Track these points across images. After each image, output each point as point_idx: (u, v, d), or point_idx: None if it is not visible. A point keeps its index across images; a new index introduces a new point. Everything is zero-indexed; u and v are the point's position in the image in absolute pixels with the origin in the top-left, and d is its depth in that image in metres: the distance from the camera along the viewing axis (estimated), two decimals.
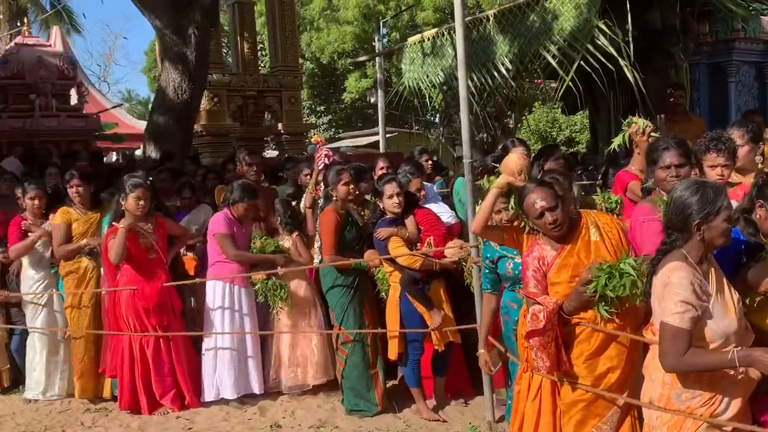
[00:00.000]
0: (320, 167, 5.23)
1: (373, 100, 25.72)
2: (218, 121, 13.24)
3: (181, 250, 5.59)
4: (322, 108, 32.58)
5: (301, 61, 20.49)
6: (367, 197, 5.24)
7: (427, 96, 8.29)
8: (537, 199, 3.09)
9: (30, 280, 5.50)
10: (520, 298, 3.68)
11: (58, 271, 5.48)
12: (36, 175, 6.85)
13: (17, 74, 13.06)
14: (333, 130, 32.42)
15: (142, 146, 19.53)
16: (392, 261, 4.65)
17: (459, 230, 5.09)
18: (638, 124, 4.08)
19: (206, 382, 5.13)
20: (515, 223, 3.53)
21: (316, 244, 4.98)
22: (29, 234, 5.43)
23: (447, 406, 4.93)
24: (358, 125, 31.93)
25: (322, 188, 5.06)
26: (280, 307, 5.10)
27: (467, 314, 4.68)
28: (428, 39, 8.20)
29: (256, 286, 5.08)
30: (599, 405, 3.08)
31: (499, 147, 5.60)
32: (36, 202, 5.51)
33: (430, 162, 6.46)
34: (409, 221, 4.72)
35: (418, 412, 4.80)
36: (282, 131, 14.46)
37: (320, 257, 4.89)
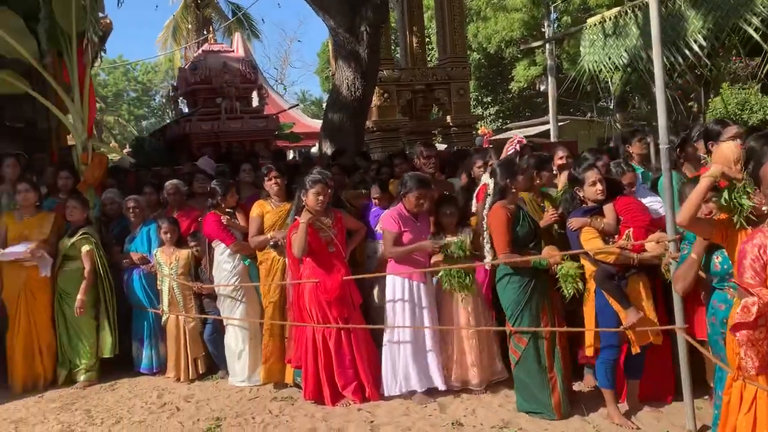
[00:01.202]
0: (510, 152, 5.05)
1: (542, 88, 24.97)
2: (388, 117, 13.41)
3: None
4: (489, 99, 32.16)
5: (467, 52, 20.24)
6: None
7: (609, 79, 7.81)
8: None
9: (224, 271, 5.81)
10: (729, 298, 3.31)
11: (251, 262, 5.79)
12: (228, 174, 7.28)
13: (205, 79, 13.96)
14: (500, 121, 31.90)
15: (317, 144, 20.34)
16: (586, 254, 4.37)
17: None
18: None
19: (388, 376, 5.13)
20: (723, 217, 3.16)
21: (485, 242, 4.77)
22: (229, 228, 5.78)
23: (640, 412, 4.58)
24: (526, 115, 31.18)
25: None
26: (465, 295, 5.00)
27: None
28: (610, 19, 7.73)
29: (440, 274, 5.01)
30: None
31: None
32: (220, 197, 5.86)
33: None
34: (608, 209, 4.41)
35: (608, 416, 4.48)
36: (450, 123, 14.38)
37: (489, 256, 4.69)
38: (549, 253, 4.52)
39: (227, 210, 5.89)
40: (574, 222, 4.44)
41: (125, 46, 66.55)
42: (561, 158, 5.46)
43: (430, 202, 5.26)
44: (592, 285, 4.44)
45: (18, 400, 5.71)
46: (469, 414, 4.81)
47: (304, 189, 5.16)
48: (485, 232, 4.69)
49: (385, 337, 5.18)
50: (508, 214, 4.59)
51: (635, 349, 4.31)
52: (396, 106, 13.72)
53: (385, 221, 5.13)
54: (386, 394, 5.14)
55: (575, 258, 4.49)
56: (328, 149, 9.97)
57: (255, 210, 5.68)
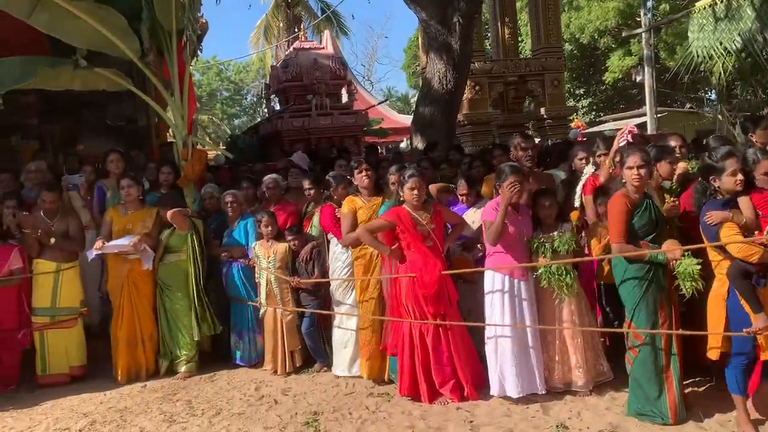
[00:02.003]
0: (622, 143, 4.79)
1: (638, 78, 24.01)
2: (479, 110, 13.18)
3: None
4: (582, 91, 31.28)
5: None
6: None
7: (720, 65, 7.33)
8: None
9: (338, 261, 5.83)
10: None
11: None
12: (320, 168, 7.31)
13: (296, 77, 14.13)
14: (593, 113, 30.99)
15: (405, 139, 20.28)
16: (722, 249, 4.06)
17: None
18: None
19: (489, 376, 4.96)
20: None
21: (601, 233, 4.53)
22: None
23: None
24: (620, 107, 30.14)
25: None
26: (565, 295, 4.78)
27: None
28: (721, 1, 7.24)
29: (539, 271, 4.81)
30: None
31: None
32: (340, 190, 5.88)
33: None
34: (744, 203, 4.05)
35: (737, 423, 4.15)
36: (544, 116, 13.99)
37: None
38: (669, 248, 4.23)
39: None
40: (714, 215, 4.08)
41: (218, 48, 68.73)
42: (676, 148, 5.13)
43: (528, 193, 5.06)
44: (722, 283, 4.12)
45: (122, 388, 5.89)
46: (574, 417, 4.59)
47: (400, 183, 5.10)
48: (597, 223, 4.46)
49: (486, 335, 5.01)
50: (628, 203, 4.32)
51: (765, 356, 3.97)
52: (487, 98, 13.46)
53: (486, 212, 4.97)
54: (491, 393, 4.97)
55: (696, 254, 4.17)
56: (419, 143, 9.85)
57: (346, 206, 5.63)
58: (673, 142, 5.30)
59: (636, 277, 4.33)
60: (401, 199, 5.12)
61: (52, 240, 6.07)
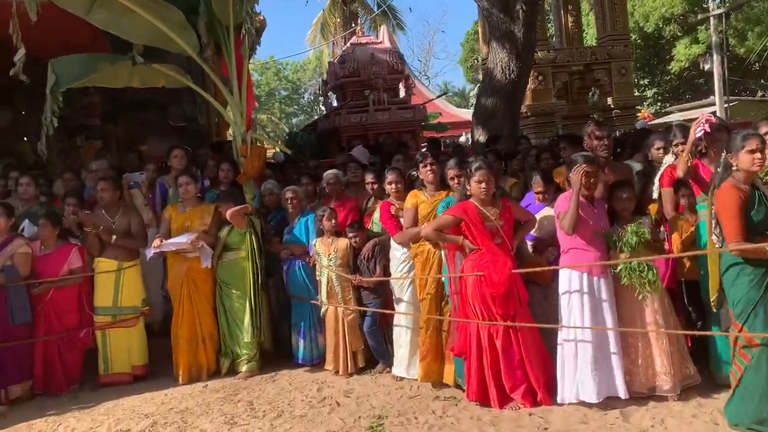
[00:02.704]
0: (699, 134, 4.41)
1: (706, 67, 23.02)
2: (543, 101, 12.77)
3: None
4: (646, 81, 30.28)
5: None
6: None
7: None
8: None
9: (396, 260, 5.62)
10: None
11: None
12: (380, 163, 7.11)
13: (353, 72, 14.00)
14: (658, 104, 30.00)
15: (464, 133, 19.93)
16: None
17: None
18: None
19: (564, 380, 4.65)
20: None
21: (713, 227, 4.10)
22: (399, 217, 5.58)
23: None
24: (686, 97, 29.06)
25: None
26: (648, 292, 4.44)
27: None
28: None
29: (618, 268, 4.48)
30: None
31: None
32: (394, 186, 5.65)
33: None
34: None
35: None
36: (611, 106, 13.46)
37: (718, 242, 4.06)
38: None
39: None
40: None
41: (276, 48, 69.33)
42: (767, 133, 4.71)
43: (604, 185, 4.72)
44: None
45: (183, 388, 5.81)
46: (658, 424, 4.26)
47: (465, 177, 4.84)
48: (712, 217, 4.07)
49: (560, 338, 4.70)
50: (741, 195, 3.93)
51: None
52: (551, 89, 13.03)
53: (559, 203, 4.67)
54: (560, 401, 4.66)
55: None
56: (480, 136, 9.53)
57: (409, 200, 5.42)
58: (764, 127, 4.88)
59: (754, 278, 3.92)
60: (468, 193, 4.87)
61: (114, 238, 6.04)
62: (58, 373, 5.90)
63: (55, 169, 9.31)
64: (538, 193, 5.37)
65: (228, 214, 5.92)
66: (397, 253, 5.60)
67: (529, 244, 5.46)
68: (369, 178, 6.19)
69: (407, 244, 5.51)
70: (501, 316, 4.70)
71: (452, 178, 5.23)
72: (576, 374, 4.57)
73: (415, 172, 5.88)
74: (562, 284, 4.66)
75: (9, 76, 5.56)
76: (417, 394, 5.22)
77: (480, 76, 31.37)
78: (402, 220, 5.50)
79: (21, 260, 5.81)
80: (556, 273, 4.88)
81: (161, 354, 6.24)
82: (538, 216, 5.22)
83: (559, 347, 4.68)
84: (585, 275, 4.54)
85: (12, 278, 5.73)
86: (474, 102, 11.65)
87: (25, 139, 10.35)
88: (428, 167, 5.38)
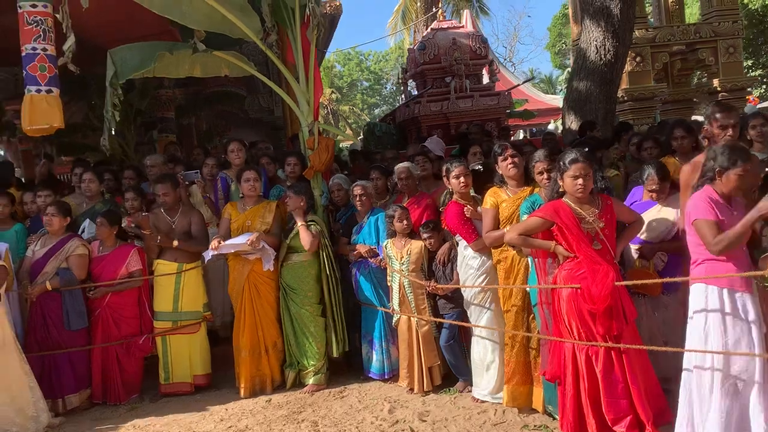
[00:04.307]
0: None
1: None
2: (641, 83, 11.71)
3: None
4: (750, 62, 28.13)
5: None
6: None
7: None
8: None
9: (471, 269, 4.92)
10: None
11: None
12: (459, 155, 6.47)
13: (434, 58, 13.40)
14: (763, 87, 27.89)
15: (552, 120, 18.94)
16: None
17: None
18: None
19: (688, 415, 3.83)
20: None
21: None
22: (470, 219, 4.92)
23: None
24: None
25: None
26: None
27: None
28: None
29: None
30: None
31: None
32: (461, 180, 4.95)
33: None
34: None
35: None
36: (718, 88, 12.23)
37: None
38: None
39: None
40: None
41: (360, 38, 69.23)
42: None
43: (753, 179, 3.85)
44: None
45: (245, 403, 5.35)
46: None
47: (559, 171, 4.10)
48: None
49: (687, 363, 3.86)
50: None
51: None
52: (650, 70, 11.91)
53: (699, 208, 3.71)
54: None
55: None
56: (572, 123, 8.71)
57: (488, 200, 4.71)
58: None
59: None
60: (560, 190, 4.13)
61: (175, 243, 5.65)
62: (116, 382, 5.57)
63: (132, 163, 9.16)
64: (651, 191, 4.58)
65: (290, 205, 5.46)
66: (474, 263, 4.91)
67: (633, 248, 4.69)
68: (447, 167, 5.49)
69: (486, 252, 4.83)
70: (602, 336, 3.96)
71: (541, 173, 4.50)
72: (700, 408, 3.73)
73: (479, 166, 5.20)
74: (697, 302, 3.76)
75: (84, 70, 5.21)
76: (502, 421, 4.55)
77: (569, 61, 30.01)
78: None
79: (76, 262, 5.50)
80: (668, 283, 4.10)
81: (227, 363, 5.81)
82: (645, 216, 4.43)
83: (684, 374, 3.84)
84: (726, 291, 3.67)
85: (67, 281, 5.43)
86: (562, 89, 10.73)
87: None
88: (509, 160, 4.65)
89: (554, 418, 4.37)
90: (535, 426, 4.41)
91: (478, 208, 4.93)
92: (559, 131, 12.93)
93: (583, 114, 8.49)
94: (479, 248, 4.82)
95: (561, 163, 4.09)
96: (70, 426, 5.17)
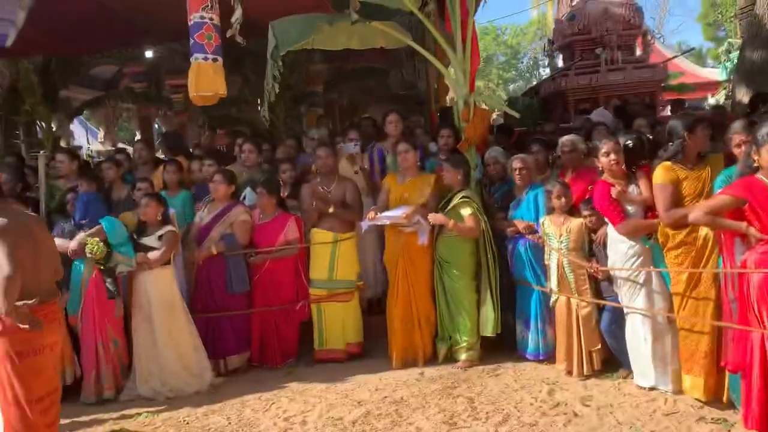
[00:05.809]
0: None
1: None
2: None
3: None
4: None
5: None
6: None
7: None
8: None
9: (619, 253, 4.65)
10: None
11: (654, 243, 4.51)
12: (623, 128, 6.12)
13: (584, 29, 12.87)
14: None
15: (709, 95, 17.71)
16: None
17: None
18: None
19: None
20: None
21: None
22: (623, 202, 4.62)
23: None
24: None
25: None
26: None
27: None
28: None
29: None
30: None
31: None
32: (612, 157, 4.63)
33: None
34: None
35: None
36: None
37: None
38: None
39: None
40: None
41: (495, 13, 67.88)
42: None
43: None
44: None
45: (398, 374, 5.36)
46: None
47: (756, 146, 3.72)
48: None
49: None
50: None
51: None
52: None
53: None
54: None
55: None
56: (743, 96, 8.03)
57: (663, 175, 4.33)
58: None
59: None
60: (754, 165, 3.76)
61: (331, 209, 5.74)
62: (274, 346, 5.76)
63: (281, 135, 9.44)
64: None
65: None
66: (622, 247, 4.61)
67: None
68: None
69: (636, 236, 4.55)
70: None
71: (738, 146, 4.12)
72: None
73: (630, 142, 4.84)
74: None
75: (240, 45, 5.34)
76: (674, 411, 4.26)
77: (723, 33, 27.80)
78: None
79: (240, 228, 5.71)
80: None
81: (381, 332, 5.83)
82: None
83: None
84: None
85: (232, 246, 5.65)
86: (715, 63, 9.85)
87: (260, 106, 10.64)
88: (701, 130, 4.30)
89: (735, 410, 4.03)
90: (712, 419, 4.09)
91: (631, 188, 4.64)
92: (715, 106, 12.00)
93: (757, 85, 7.80)
94: (626, 231, 4.53)
95: (759, 135, 3.71)
96: (230, 386, 5.38)
